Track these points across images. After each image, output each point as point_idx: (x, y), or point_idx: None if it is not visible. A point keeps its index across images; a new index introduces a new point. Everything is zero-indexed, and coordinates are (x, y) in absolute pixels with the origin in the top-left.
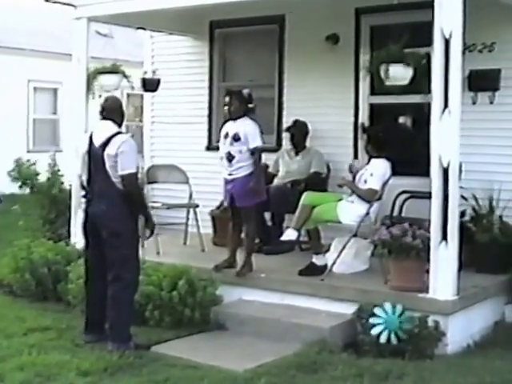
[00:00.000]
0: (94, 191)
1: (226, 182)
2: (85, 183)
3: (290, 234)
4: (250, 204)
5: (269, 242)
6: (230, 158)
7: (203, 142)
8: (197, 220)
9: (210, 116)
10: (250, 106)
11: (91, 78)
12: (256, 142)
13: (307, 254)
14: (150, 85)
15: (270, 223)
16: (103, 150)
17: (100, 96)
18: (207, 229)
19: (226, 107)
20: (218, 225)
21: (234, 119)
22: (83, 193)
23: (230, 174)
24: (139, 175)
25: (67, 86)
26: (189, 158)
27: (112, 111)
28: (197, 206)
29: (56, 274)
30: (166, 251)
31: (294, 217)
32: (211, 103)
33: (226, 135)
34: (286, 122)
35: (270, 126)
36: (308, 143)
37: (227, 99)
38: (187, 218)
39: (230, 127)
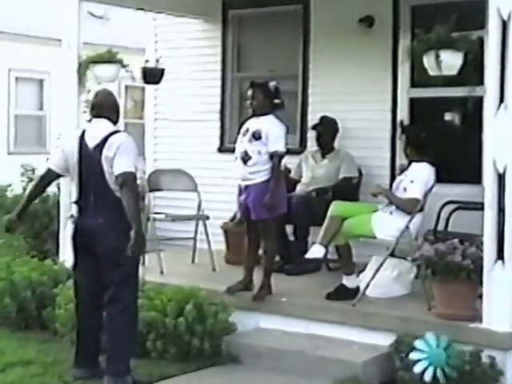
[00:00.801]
0: (88, 201)
1: (240, 189)
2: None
3: (315, 251)
4: (269, 216)
5: (291, 261)
6: (245, 158)
7: (215, 142)
8: (207, 234)
9: (222, 112)
10: (276, 101)
11: (83, 67)
12: (277, 145)
13: (336, 274)
14: (153, 76)
15: (292, 238)
16: (100, 152)
17: (89, 91)
18: (219, 245)
19: (248, 101)
20: (231, 240)
21: (258, 116)
22: (73, 200)
23: (244, 179)
24: (139, 181)
25: (56, 76)
26: (198, 162)
27: (104, 107)
28: (207, 217)
29: (41, 297)
30: (170, 270)
31: (320, 231)
32: (224, 97)
33: (246, 132)
34: (312, 119)
35: (292, 124)
36: (337, 144)
37: (250, 92)
38: (196, 232)
39: (252, 124)
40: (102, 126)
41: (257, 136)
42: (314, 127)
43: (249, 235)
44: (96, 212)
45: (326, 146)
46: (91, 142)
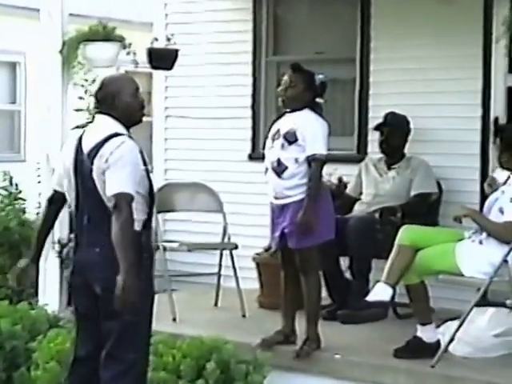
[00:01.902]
0: (82, 225)
1: (273, 209)
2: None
3: (379, 293)
4: (310, 244)
5: (347, 305)
6: (278, 169)
7: (245, 147)
8: (234, 269)
9: (254, 107)
10: (319, 100)
11: (71, 47)
12: (316, 146)
13: (408, 323)
14: (163, 59)
15: (348, 275)
16: (92, 161)
17: (83, 86)
18: (250, 282)
19: (281, 87)
20: (266, 276)
21: (290, 111)
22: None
23: (278, 197)
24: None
25: (33, 58)
26: (223, 173)
27: (106, 100)
28: (235, 247)
29: (12, 354)
30: (186, 317)
31: (385, 265)
32: (256, 87)
33: (277, 134)
34: (374, 116)
35: (347, 123)
36: (407, 150)
37: (287, 76)
38: (220, 266)
39: (284, 123)
40: (102, 126)
41: (291, 138)
42: (378, 127)
43: (285, 270)
44: (91, 240)
45: (393, 152)
46: (86, 148)
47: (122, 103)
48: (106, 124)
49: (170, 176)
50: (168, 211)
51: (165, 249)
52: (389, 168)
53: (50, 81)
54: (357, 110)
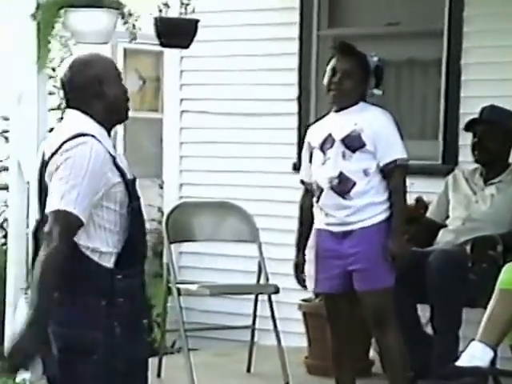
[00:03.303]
0: None
1: (325, 239)
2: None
3: (475, 356)
4: (389, 284)
5: (428, 371)
6: (342, 187)
7: (288, 153)
8: (274, 320)
9: (301, 99)
10: (377, 92)
11: (49, 14)
12: (395, 150)
13: None
14: (177, 33)
15: (429, 329)
16: (43, 170)
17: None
18: (295, 339)
19: (333, 80)
20: (315, 331)
21: (341, 108)
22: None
23: (343, 223)
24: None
25: None
26: (258, 189)
27: (76, 90)
28: (275, 290)
29: None
30: None
31: (483, 317)
32: (304, 72)
33: (328, 141)
34: (467, 112)
35: (430, 122)
36: None
37: (335, 62)
38: (254, 316)
39: (335, 124)
40: (68, 125)
41: (355, 144)
42: (469, 126)
43: (336, 324)
44: None
45: (491, 160)
46: (47, 155)
47: (107, 94)
48: (73, 122)
49: (186, 193)
50: (184, 241)
51: (179, 293)
52: (486, 183)
53: (21, 60)
54: (443, 103)
